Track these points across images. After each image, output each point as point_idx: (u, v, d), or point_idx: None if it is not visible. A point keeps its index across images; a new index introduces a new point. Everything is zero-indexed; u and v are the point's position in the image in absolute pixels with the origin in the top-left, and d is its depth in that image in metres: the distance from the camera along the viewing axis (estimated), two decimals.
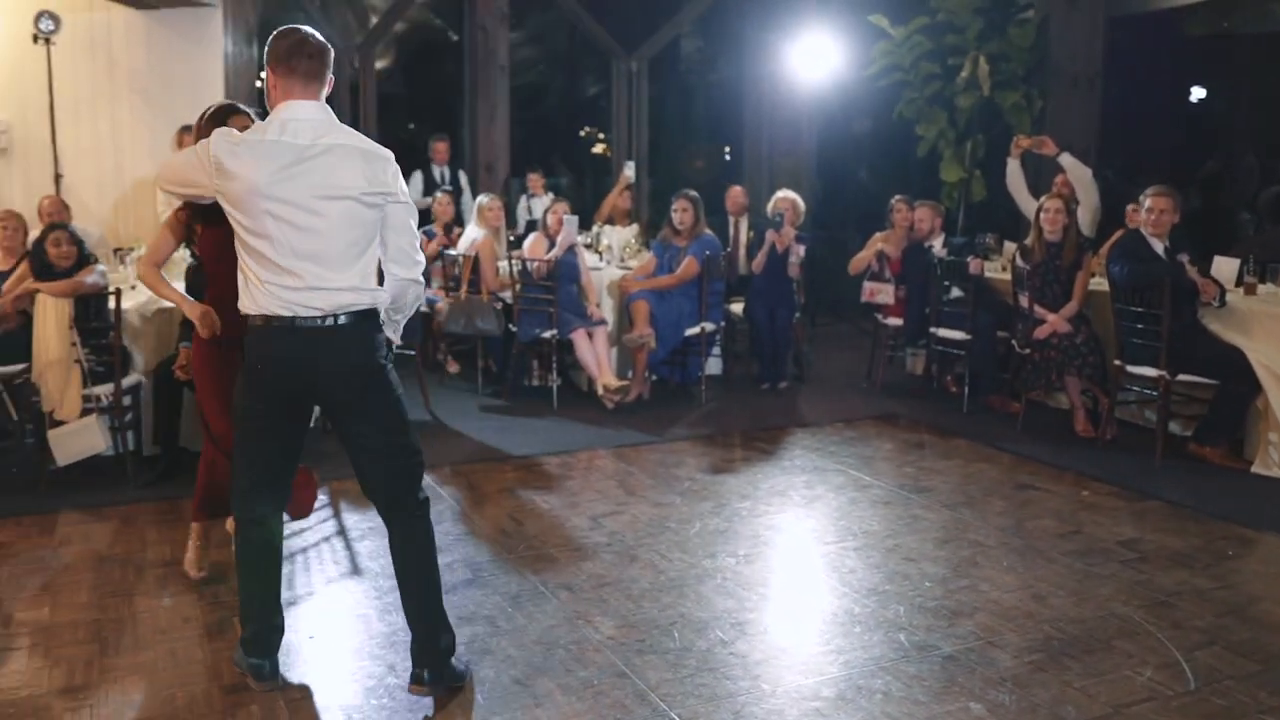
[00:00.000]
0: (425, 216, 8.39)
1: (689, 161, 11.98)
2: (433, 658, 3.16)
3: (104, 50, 7.56)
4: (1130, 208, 6.95)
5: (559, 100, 13.90)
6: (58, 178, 7.34)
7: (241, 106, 3.85)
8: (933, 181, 9.05)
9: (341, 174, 2.96)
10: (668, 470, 5.51)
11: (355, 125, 8.82)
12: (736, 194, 8.52)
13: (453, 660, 3.24)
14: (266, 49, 3.06)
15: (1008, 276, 7.07)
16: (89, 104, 7.59)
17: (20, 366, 5.36)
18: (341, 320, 2.99)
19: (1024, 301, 6.30)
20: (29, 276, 5.97)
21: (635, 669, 3.37)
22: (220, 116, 3.75)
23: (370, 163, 3.01)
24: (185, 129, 7.19)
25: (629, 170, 8.63)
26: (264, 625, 3.26)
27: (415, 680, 3.17)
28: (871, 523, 4.73)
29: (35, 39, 7.12)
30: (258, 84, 7.55)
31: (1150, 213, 5.74)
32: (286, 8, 8.65)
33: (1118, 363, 5.82)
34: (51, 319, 5.06)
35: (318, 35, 3.08)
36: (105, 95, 7.58)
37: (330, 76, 3.11)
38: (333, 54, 3.13)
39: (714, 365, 7.49)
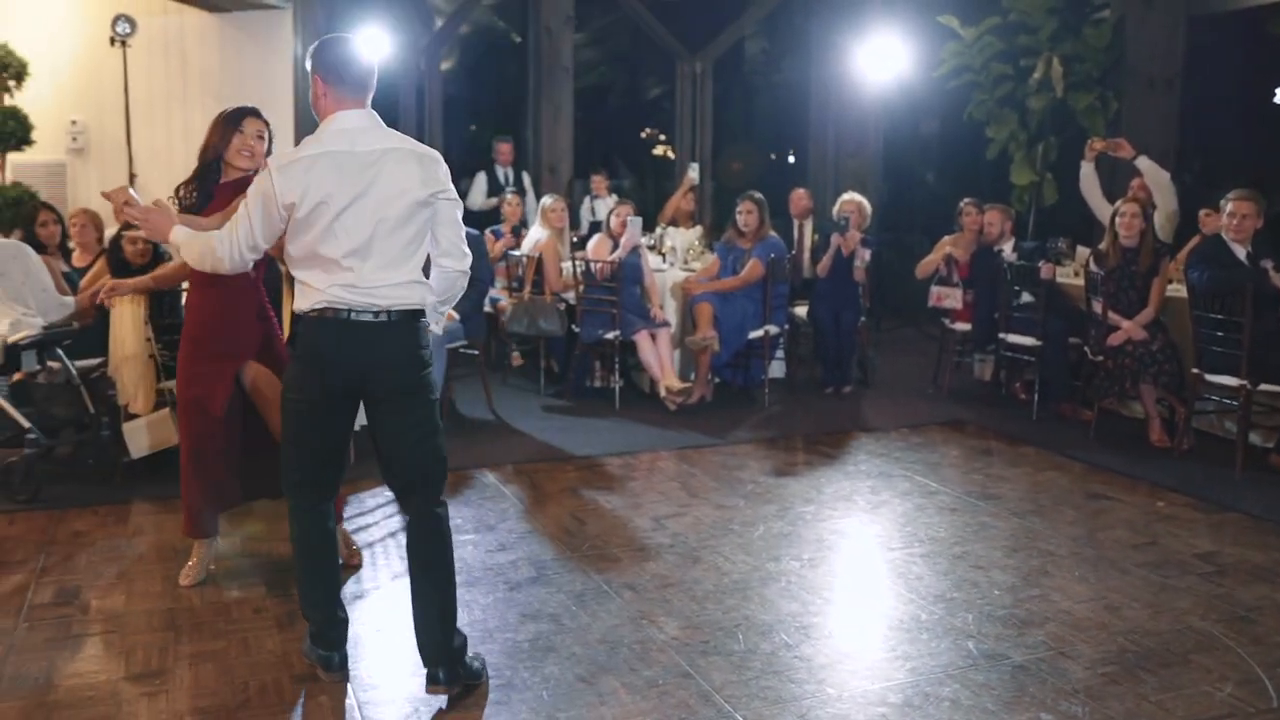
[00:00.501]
0: (491, 217, 8.46)
1: (729, 164, 11.91)
2: (448, 657, 3.15)
3: (177, 52, 7.75)
4: (1203, 213, 6.77)
5: (621, 102, 13.93)
6: (132, 177, 7.53)
7: (259, 110, 4.10)
8: (1002, 184, 8.90)
9: (400, 178, 3.04)
10: (730, 473, 5.47)
11: (420, 126, 8.94)
12: (800, 196, 8.48)
13: (467, 658, 3.23)
14: (314, 58, 3.14)
15: (1080, 282, 6.93)
16: (162, 105, 7.78)
17: (96, 361, 5.51)
18: (395, 316, 3.08)
19: (1098, 308, 6.16)
20: (106, 273, 6.15)
21: (700, 670, 3.35)
22: (236, 118, 4.02)
23: (424, 164, 3.10)
24: None
25: (693, 172, 8.61)
26: (328, 617, 3.29)
27: (432, 680, 3.14)
28: (938, 529, 4.65)
29: (112, 42, 7.31)
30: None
31: (1232, 217, 5.59)
32: (354, 9, 8.76)
33: (1196, 371, 5.66)
34: (128, 315, 5.16)
35: (363, 45, 3.18)
36: (178, 97, 7.77)
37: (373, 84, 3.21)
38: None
39: (777, 368, 7.43)
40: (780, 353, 7.38)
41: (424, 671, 3.16)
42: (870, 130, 10.18)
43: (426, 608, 3.17)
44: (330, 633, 3.30)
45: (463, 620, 3.64)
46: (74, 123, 7.79)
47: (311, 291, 3.08)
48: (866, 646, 3.54)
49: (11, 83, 7.31)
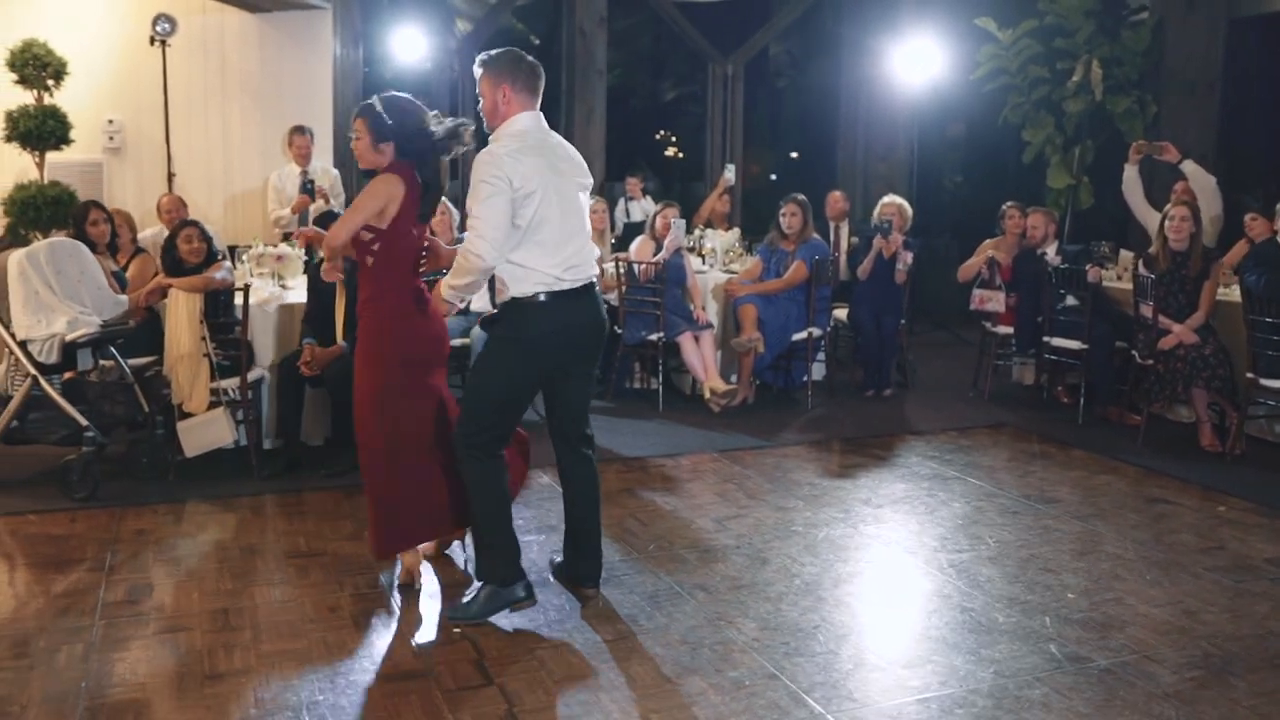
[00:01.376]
0: None
1: (750, 166, 11.89)
2: (598, 568, 3.93)
3: (216, 52, 7.74)
4: (1249, 217, 6.75)
5: (641, 104, 13.92)
6: (170, 177, 7.52)
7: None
8: (1038, 187, 8.88)
9: (575, 167, 3.68)
10: (785, 475, 5.45)
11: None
12: (836, 199, 8.46)
13: None
14: (499, 67, 3.57)
15: (1124, 285, 6.92)
16: (201, 105, 7.77)
17: (146, 359, 5.50)
18: (594, 282, 3.69)
19: (1147, 311, 6.14)
20: (150, 272, 6.15)
21: (785, 671, 3.33)
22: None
23: (580, 158, 3.75)
24: (297, 130, 7.32)
25: (729, 173, 8.59)
26: (515, 546, 3.71)
27: (590, 585, 3.92)
28: (1002, 532, 4.63)
29: (152, 41, 7.30)
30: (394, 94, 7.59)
31: None
32: (388, 10, 8.77)
33: (1250, 375, 5.64)
34: (183, 314, 5.17)
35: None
36: (217, 96, 7.76)
37: None
38: None
39: (816, 371, 7.41)
40: (820, 355, 7.36)
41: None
42: (900, 133, 10.17)
43: (587, 529, 3.88)
44: (518, 560, 3.71)
45: (538, 621, 3.66)
46: (110, 122, 7.77)
47: (532, 273, 3.53)
48: (947, 649, 3.51)
49: (50, 81, 7.30)
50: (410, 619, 3.72)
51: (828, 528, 4.66)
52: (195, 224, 5.37)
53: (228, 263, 5.49)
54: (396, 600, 3.87)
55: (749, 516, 4.80)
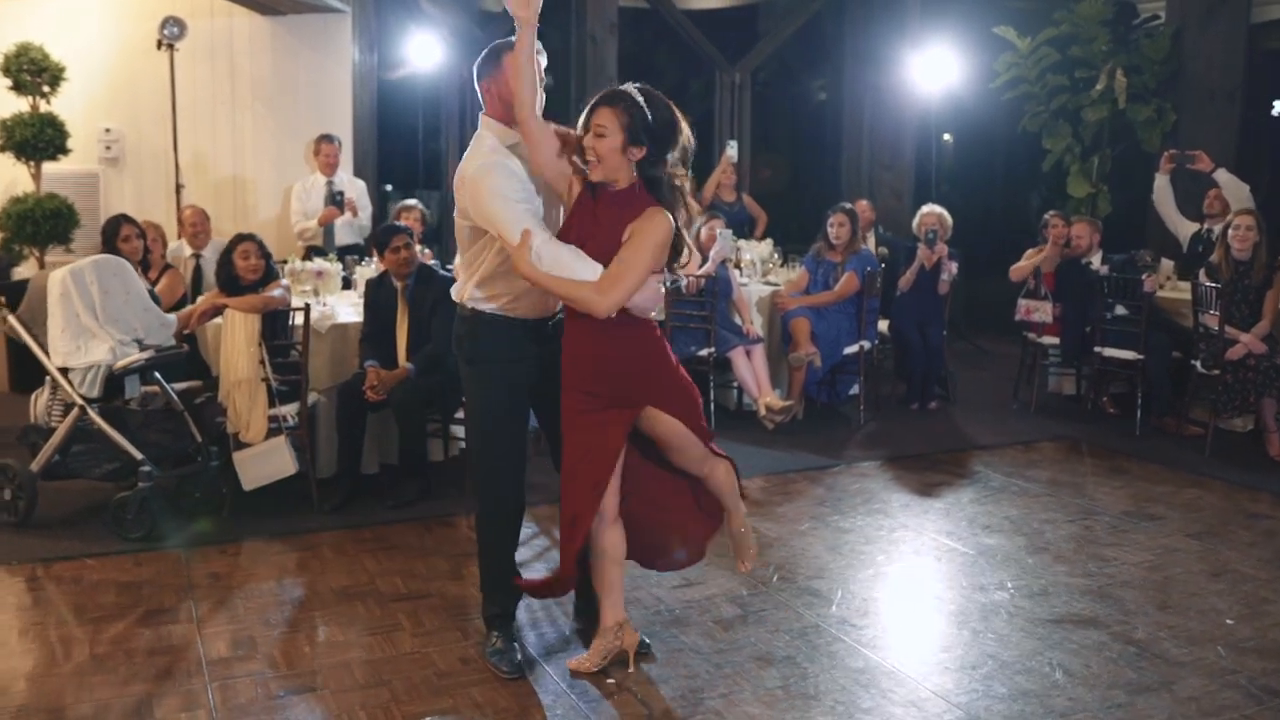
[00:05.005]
0: None
1: (759, 171, 11.74)
2: None
3: (224, 57, 7.31)
4: None
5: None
6: (179, 187, 7.06)
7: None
8: (1060, 195, 8.84)
9: None
10: (875, 494, 5.26)
11: (464, 136, 8.61)
12: (864, 208, 8.29)
13: None
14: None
15: (1171, 294, 6.88)
16: (207, 112, 7.34)
17: (185, 385, 5.09)
18: None
19: (1210, 321, 6.07)
20: (182, 290, 5.74)
21: (972, 711, 3.11)
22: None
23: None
24: (325, 138, 6.93)
25: (731, 150, 8.42)
26: (511, 577, 3.48)
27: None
28: (1126, 553, 4.48)
29: (159, 45, 6.84)
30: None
31: None
32: (406, 14, 8.40)
33: None
34: (241, 335, 4.80)
35: None
36: (225, 103, 7.33)
37: None
38: None
39: (854, 385, 7.23)
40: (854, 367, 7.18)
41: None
42: (906, 141, 10.09)
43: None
44: (514, 596, 3.49)
45: (683, 663, 3.40)
46: (107, 131, 7.28)
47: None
48: (1137, 689, 3.33)
49: (46, 88, 6.82)
50: (549, 669, 3.42)
51: (946, 551, 4.47)
52: (253, 238, 4.99)
53: (285, 280, 5.11)
54: (530, 645, 3.56)
55: (856, 538, 4.59)
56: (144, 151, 7.25)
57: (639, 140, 3.03)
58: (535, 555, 4.44)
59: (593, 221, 3.12)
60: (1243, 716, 3.14)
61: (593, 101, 3.12)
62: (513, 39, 3.15)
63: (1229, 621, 3.81)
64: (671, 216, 3.10)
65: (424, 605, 3.90)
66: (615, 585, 3.39)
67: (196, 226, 6.21)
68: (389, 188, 9.43)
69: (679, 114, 3.12)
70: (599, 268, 3.06)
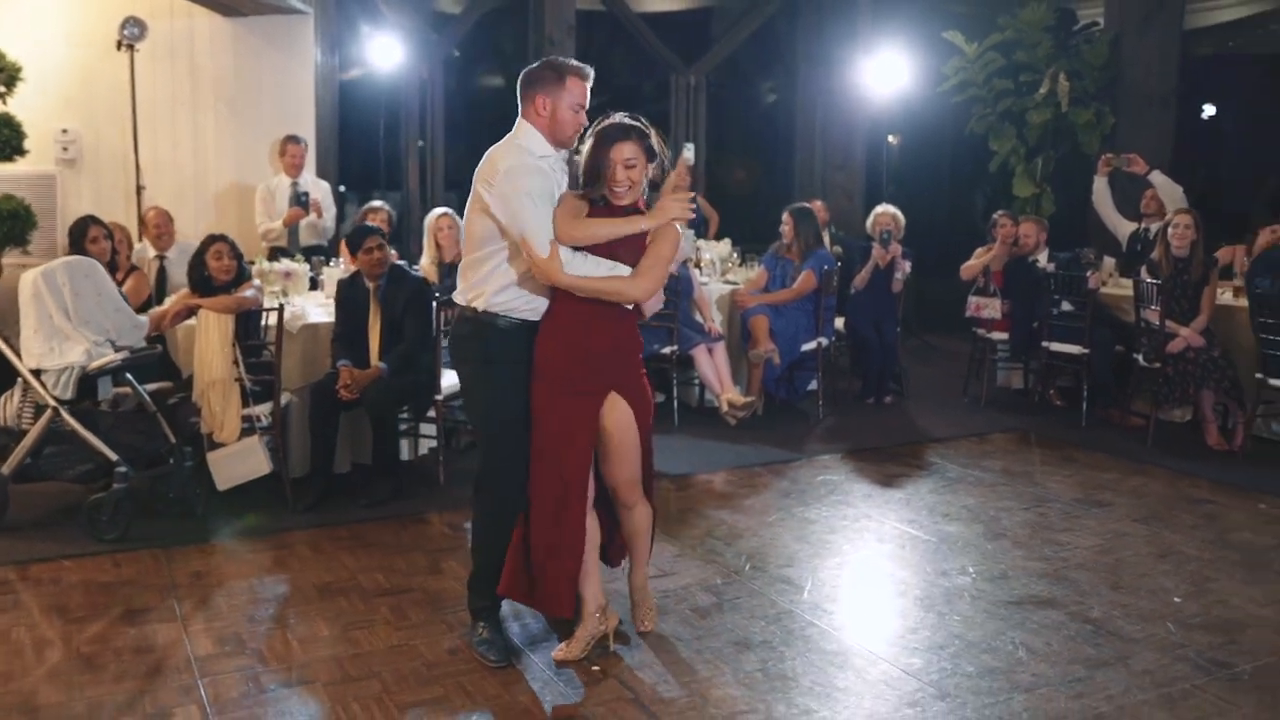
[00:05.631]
0: None
1: (733, 172, 11.89)
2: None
3: (185, 57, 7.27)
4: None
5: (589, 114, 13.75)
6: (140, 189, 7.02)
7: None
8: (1005, 195, 9.11)
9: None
10: (837, 486, 5.42)
11: (425, 136, 8.65)
12: (818, 208, 8.48)
13: None
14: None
15: (1113, 290, 7.15)
16: (169, 113, 7.29)
17: (155, 386, 5.10)
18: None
19: (1152, 316, 6.34)
20: (147, 291, 5.74)
21: (950, 696, 3.27)
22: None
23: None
24: (291, 139, 6.94)
25: (688, 153, 8.54)
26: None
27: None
28: (1078, 537, 4.69)
29: (119, 45, 6.80)
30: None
31: None
32: (367, 14, 8.41)
33: (1259, 375, 5.88)
34: (215, 336, 4.83)
35: None
36: (186, 104, 7.29)
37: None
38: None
39: (811, 381, 7.41)
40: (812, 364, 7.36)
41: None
42: (858, 143, 10.31)
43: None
44: (494, 586, 3.51)
45: (664, 649, 3.54)
46: (64, 132, 7.21)
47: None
48: (1096, 664, 3.52)
49: (2, 88, 6.73)
50: (534, 658, 3.52)
51: (909, 539, 4.64)
52: (225, 239, 5.01)
53: (257, 281, 5.14)
54: (514, 636, 3.66)
55: (821, 531, 4.74)
56: (102, 153, 7.20)
57: (651, 160, 3.37)
58: None
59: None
60: (1193, 686, 3.34)
61: (611, 135, 3.31)
62: (573, 61, 3.39)
63: (1176, 600, 4.02)
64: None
65: (406, 600, 3.97)
66: (593, 570, 3.51)
67: (161, 228, 6.19)
68: (342, 188, 9.43)
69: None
70: (615, 266, 3.29)
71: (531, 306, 3.40)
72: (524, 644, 3.62)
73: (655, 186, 3.42)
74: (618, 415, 3.37)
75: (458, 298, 3.50)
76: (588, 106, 3.44)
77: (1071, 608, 3.94)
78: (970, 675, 3.39)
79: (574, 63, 3.42)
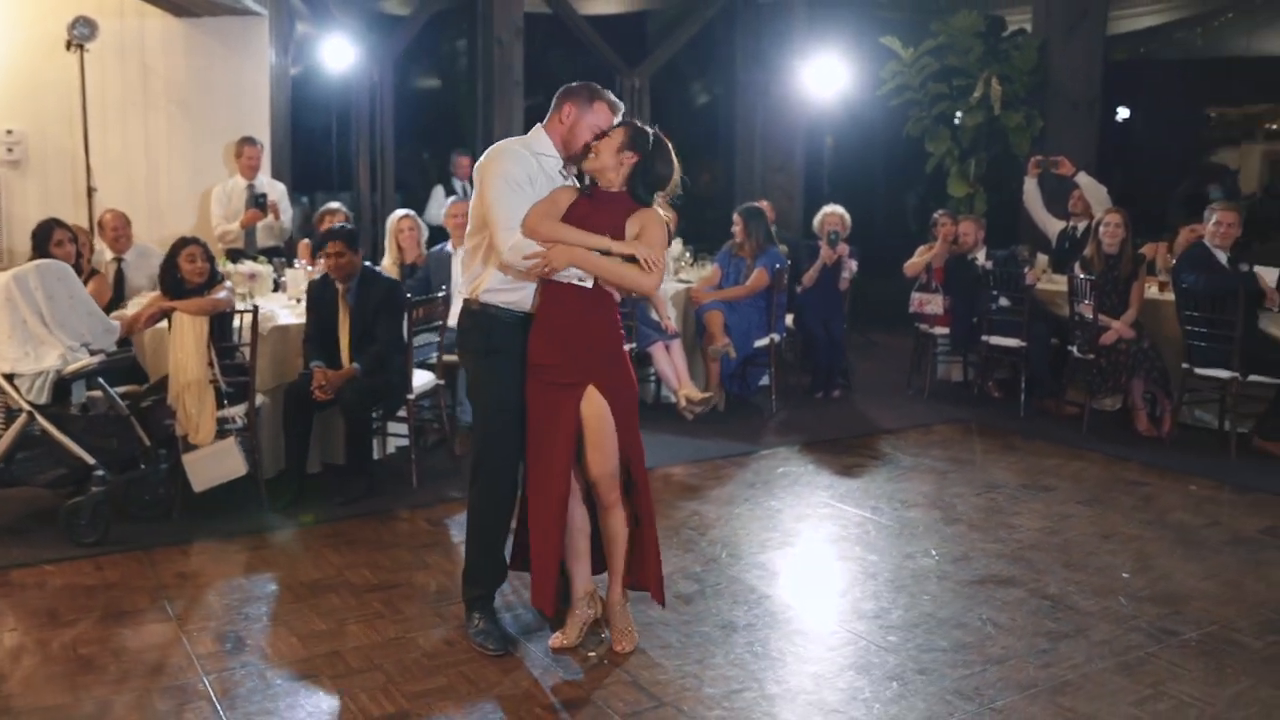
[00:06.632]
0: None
1: (699, 174, 12.07)
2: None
3: (135, 58, 7.20)
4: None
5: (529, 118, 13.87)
6: (90, 191, 6.94)
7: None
8: (940, 196, 9.44)
9: None
10: (799, 476, 5.64)
11: (374, 137, 8.66)
12: (766, 207, 8.71)
13: None
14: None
15: (1048, 286, 7.50)
16: (119, 114, 7.22)
17: (124, 389, 5.09)
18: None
19: (1085, 310, 6.68)
20: (109, 294, 5.72)
21: (929, 671, 3.49)
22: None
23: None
24: (248, 140, 6.93)
25: None
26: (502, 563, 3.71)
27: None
28: (1026, 519, 4.97)
29: (69, 45, 6.72)
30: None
31: (1219, 225, 6.21)
32: (321, 17, 8.39)
33: (1185, 366, 6.25)
34: (190, 339, 4.85)
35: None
36: (138, 105, 7.21)
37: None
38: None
39: (763, 376, 7.63)
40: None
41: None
42: (797, 145, 10.58)
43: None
44: (498, 578, 3.72)
45: (654, 635, 3.68)
46: (9, 132, 7.09)
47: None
48: (1051, 631, 3.77)
49: None
50: (531, 647, 3.65)
51: (874, 524, 4.87)
52: (197, 241, 5.02)
53: (229, 282, 5.16)
54: (507, 627, 3.78)
55: (788, 519, 4.95)
56: (49, 154, 7.09)
57: (632, 147, 3.43)
58: None
59: (592, 212, 3.44)
60: (1147, 654, 3.61)
61: (592, 94, 3.53)
62: (611, 94, 3.55)
63: (1125, 575, 4.31)
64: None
65: (397, 594, 4.07)
66: (583, 556, 3.67)
67: (118, 230, 6.15)
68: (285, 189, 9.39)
69: (674, 159, 3.51)
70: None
71: (528, 298, 3.50)
72: (519, 633, 3.75)
73: (654, 189, 3.50)
74: (594, 407, 3.48)
75: (462, 288, 3.64)
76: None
77: (1030, 585, 4.20)
78: (945, 650, 3.62)
79: (611, 95, 3.57)
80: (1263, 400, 6.25)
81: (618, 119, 3.54)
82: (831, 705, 3.25)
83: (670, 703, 3.26)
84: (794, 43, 10.23)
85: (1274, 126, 14.28)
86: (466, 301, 3.58)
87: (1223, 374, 6.10)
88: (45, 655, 3.55)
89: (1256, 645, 3.68)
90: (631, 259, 3.37)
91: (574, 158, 3.52)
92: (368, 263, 5.69)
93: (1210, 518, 5.04)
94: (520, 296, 3.51)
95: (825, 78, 9.54)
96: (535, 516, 3.55)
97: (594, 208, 3.47)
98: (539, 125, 3.57)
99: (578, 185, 3.56)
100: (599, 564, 3.72)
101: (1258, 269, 6.57)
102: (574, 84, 3.56)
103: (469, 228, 3.58)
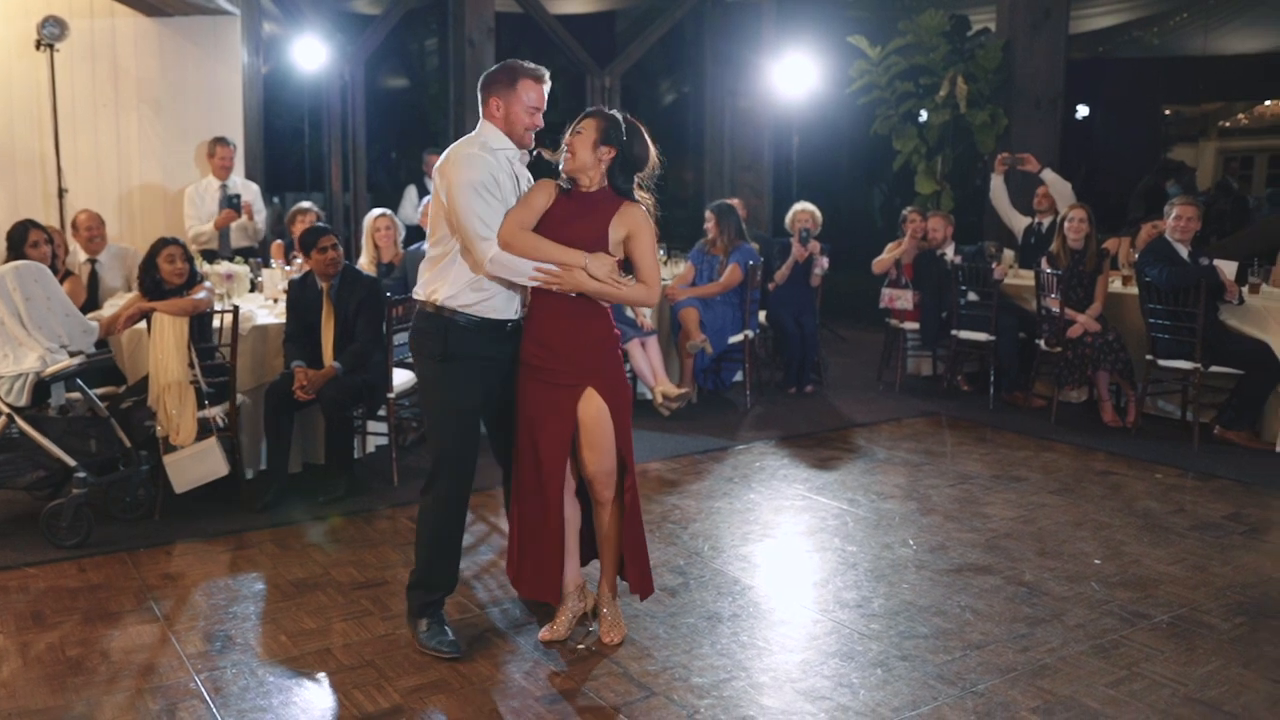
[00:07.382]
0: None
1: (681, 174, 12.13)
2: None
3: (107, 58, 7.14)
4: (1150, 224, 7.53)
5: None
6: (62, 192, 6.88)
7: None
8: (908, 193, 9.58)
9: None
10: (777, 470, 5.72)
11: (346, 137, 8.65)
12: (738, 204, 8.80)
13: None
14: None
15: (1015, 281, 7.65)
16: (89, 114, 7.15)
17: (101, 391, 5.08)
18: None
19: (1052, 304, 6.82)
20: (84, 296, 5.69)
21: (911, 657, 3.58)
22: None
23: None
24: (220, 140, 6.90)
25: None
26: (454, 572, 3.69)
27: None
28: (1001, 509, 5.08)
29: (39, 45, 6.66)
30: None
31: (1179, 219, 6.37)
32: (293, 16, 8.36)
33: (1149, 357, 6.41)
34: (170, 339, 4.84)
35: None
36: (109, 105, 7.16)
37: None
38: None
39: (736, 371, 7.72)
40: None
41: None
42: (765, 144, 10.68)
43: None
44: (450, 584, 3.67)
45: (641, 627, 3.74)
46: None
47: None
48: (1033, 616, 3.87)
49: None
50: (519, 640, 3.70)
51: (851, 515, 4.96)
52: (176, 242, 5.00)
53: (209, 283, 5.15)
54: (494, 621, 3.83)
55: (767, 512, 5.03)
56: (18, 154, 7.02)
57: (609, 141, 3.43)
58: (479, 539, 4.69)
59: (573, 215, 3.44)
60: (1121, 637, 3.72)
61: (581, 115, 3.49)
62: (528, 64, 3.51)
63: (1096, 562, 4.43)
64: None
65: (384, 591, 4.10)
66: (573, 550, 3.71)
67: (92, 231, 6.11)
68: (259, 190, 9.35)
69: (649, 141, 3.52)
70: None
71: (488, 303, 3.49)
72: (507, 628, 3.79)
73: (633, 172, 3.49)
74: (594, 407, 3.52)
75: (417, 291, 3.59)
76: (544, 108, 3.55)
77: (1006, 573, 4.30)
78: (926, 637, 3.71)
79: (529, 65, 3.52)
80: (1223, 390, 6.42)
81: (546, 86, 3.52)
82: (819, 692, 3.33)
83: (661, 693, 3.32)
84: (763, 42, 10.33)
85: (1228, 124, 14.63)
86: (422, 304, 3.55)
87: (1185, 365, 6.26)
88: (33, 657, 3.54)
89: (1224, 626, 3.80)
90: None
91: (523, 141, 3.53)
92: (347, 261, 5.71)
93: (1176, 505, 5.18)
94: (481, 301, 3.49)
95: (794, 77, 9.64)
96: (533, 513, 3.59)
97: (574, 210, 3.46)
98: (483, 120, 3.53)
99: (562, 186, 3.54)
100: (586, 557, 3.77)
101: (1217, 262, 6.74)
102: (490, 71, 3.54)
103: (432, 235, 3.55)
